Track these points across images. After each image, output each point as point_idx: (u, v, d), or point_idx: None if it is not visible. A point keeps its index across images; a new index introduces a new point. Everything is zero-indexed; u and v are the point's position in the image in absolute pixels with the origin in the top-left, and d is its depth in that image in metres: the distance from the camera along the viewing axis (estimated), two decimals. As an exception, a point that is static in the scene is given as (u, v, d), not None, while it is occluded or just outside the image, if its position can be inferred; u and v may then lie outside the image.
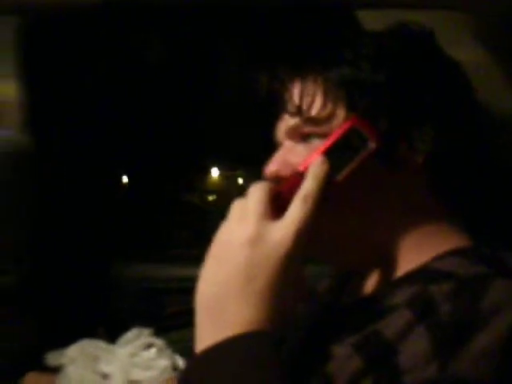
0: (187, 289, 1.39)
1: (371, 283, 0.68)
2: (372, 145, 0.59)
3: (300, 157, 0.65)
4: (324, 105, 0.63)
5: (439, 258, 0.61)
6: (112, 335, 1.21)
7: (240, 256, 0.53)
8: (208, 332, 0.54)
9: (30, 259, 1.00)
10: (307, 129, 0.65)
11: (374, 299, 0.62)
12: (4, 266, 0.96)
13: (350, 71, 0.62)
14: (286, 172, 0.65)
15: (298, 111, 0.64)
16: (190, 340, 1.31)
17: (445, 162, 0.63)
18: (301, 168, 0.59)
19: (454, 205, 0.65)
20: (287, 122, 0.67)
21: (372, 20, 0.85)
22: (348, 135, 0.59)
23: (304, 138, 0.66)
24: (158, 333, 1.25)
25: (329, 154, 0.59)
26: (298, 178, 0.58)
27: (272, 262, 0.52)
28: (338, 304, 0.74)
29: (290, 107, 0.66)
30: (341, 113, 0.63)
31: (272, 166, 0.67)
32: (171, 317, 1.34)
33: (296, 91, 0.66)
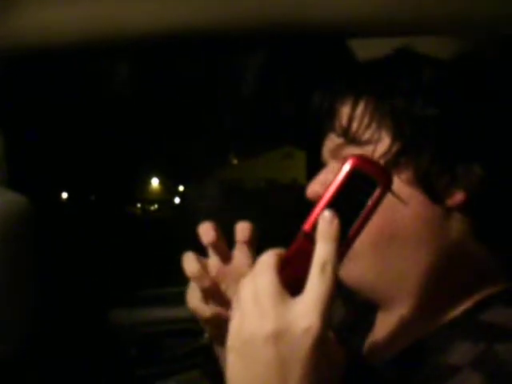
0: (182, 330, 1.39)
1: (402, 324, 0.62)
2: (380, 186, 0.51)
3: None
4: (370, 128, 0.61)
5: (484, 306, 0.57)
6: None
7: (267, 354, 0.47)
8: None
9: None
10: (351, 150, 0.61)
11: (423, 351, 0.57)
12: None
13: (402, 105, 0.60)
14: None
15: (344, 132, 0.62)
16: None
17: (489, 203, 0.59)
18: (306, 228, 0.51)
19: (493, 247, 0.61)
20: (333, 141, 0.64)
21: (365, 48, 0.81)
22: (351, 179, 0.51)
23: None
24: (161, 377, 1.24)
25: (335, 204, 0.51)
26: (304, 240, 0.50)
27: (303, 354, 0.47)
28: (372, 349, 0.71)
29: (337, 127, 0.63)
30: (386, 138, 0.60)
31: (313, 186, 0.63)
32: (173, 360, 1.31)
33: (345, 113, 0.64)
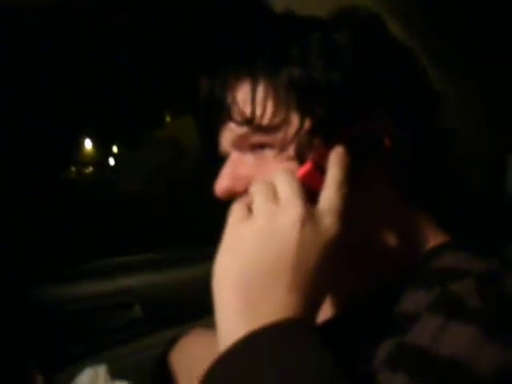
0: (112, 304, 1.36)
1: (349, 283, 0.63)
2: (386, 150, 0.58)
3: (251, 168, 0.59)
4: (276, 111, 0.56)
5: (433, 255, 0.58)
6: (49, 369, 1.14)
7: (292, 234, 0.48)
8: (242, 317, 0.46)
9: None
10: (257, 138, 0.58)
11: (380, 306, 0.56)
12: None
13: (299, 71, 0.56)
14: (238, 187, 0.59)
15: (247, 120, 0.57)
16: (126, 357, 1.27)
17: (406, 154, 0.59)
18: (316, 158, 0.55)
19: (418, 198, 0.63)
20: (233, 131, 0.59)
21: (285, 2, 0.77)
22: (361, 139, 0.57)
23: (253, 147, 0.59)
24: (93, 354, 1.21)
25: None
26: (313, 166, 0.54)
27: (322, 246, 0.49)
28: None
29: (237, 115, 0.58)
30: (294, 119, 0.56)
31: (223, 183, 0.60)
32: (104, 336, 1.28)
33: (242, 97, 0.58)
